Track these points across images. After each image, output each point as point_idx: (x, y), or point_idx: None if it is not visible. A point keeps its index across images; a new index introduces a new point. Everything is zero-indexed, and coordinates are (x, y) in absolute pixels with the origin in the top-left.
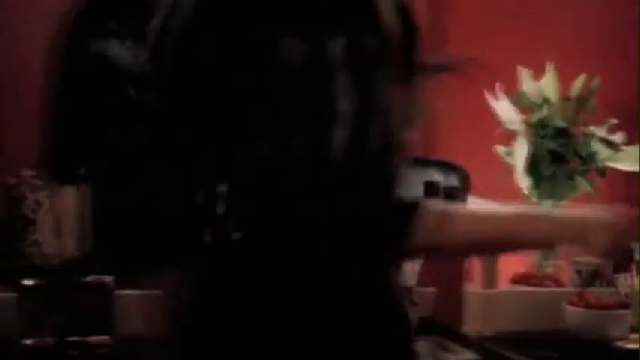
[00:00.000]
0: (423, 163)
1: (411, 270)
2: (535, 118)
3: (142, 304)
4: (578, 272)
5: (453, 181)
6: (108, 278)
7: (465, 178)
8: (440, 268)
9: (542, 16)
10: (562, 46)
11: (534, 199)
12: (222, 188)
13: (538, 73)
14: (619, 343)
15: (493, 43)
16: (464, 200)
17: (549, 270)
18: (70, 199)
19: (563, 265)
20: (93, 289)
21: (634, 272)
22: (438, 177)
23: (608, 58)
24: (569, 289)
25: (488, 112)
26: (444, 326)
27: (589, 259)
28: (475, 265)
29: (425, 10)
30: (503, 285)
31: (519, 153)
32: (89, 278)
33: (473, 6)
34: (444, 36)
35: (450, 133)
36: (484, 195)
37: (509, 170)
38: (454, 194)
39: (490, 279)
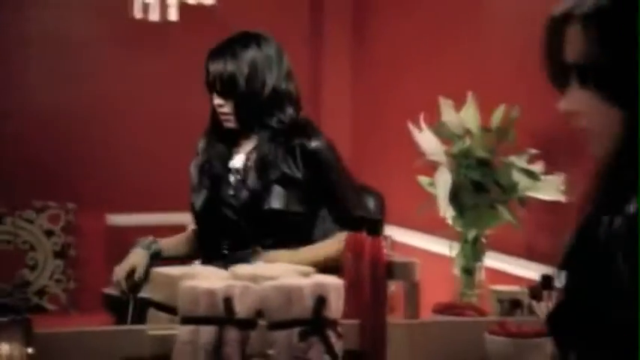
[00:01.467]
0: None
1: (335, 302)
2: (457, 148)
3: None
4: (500, 301)
5: (370, 203)
6: None
7: (381, 202)
8: (364, 300)
9: (463, 46)
10: (483, 77)
11: (458, 229)
12: None
13: (461, 103)
14: None
15: (415, 74)
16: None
17: (473, 299)
18: None
19: (485, 294)
20: None
21: (554, 300)
22: None
23: (527, 89)
24: (490, 318)
25: (411, 142)
26: (369, 358)
27: (510, 288)
28: (398, 296)
29: (349, 39)
30: (427, 315)
31: (441, 183)
32: None
33: (395, 37)
34: (368, 66)
35: (373, 163)
36: (408, 225)
37: (432, 200)
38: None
39: (413, 309)
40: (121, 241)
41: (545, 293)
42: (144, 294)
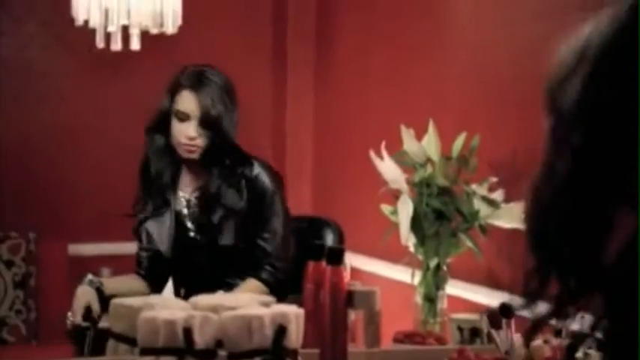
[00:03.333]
0: (300, 220)
1: (296, 332)
2: (418, 177)
3: None
4: (460, 329)
5: (328, 236)
6: None
7: (339, 234)
8: (324, 329)
9: (425, 75)
10: (444, 105)
11: (420, 257)
12: None
13: (422, 132)
14: None
15: (378, 102)
16: (342, 251)
17: (435, 328)
18: None
19: (447, 323)
20: None
21: (513, 329)
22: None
23: (487, 117)
24: (450, 346)
25: (374, 171)
26: None
27: (470, 317)
28: (358, 324)
29: (312, 68)
30: (388, 344)
31: (403, 211)
32: None
33: (358, 65)
34: (330, 94)
35: (336, 192)
36: (371, 253)
37: (394, 228)
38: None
39: (373, 338)
40: (83, 271)
41: (504, 321)
42: (103, 324)
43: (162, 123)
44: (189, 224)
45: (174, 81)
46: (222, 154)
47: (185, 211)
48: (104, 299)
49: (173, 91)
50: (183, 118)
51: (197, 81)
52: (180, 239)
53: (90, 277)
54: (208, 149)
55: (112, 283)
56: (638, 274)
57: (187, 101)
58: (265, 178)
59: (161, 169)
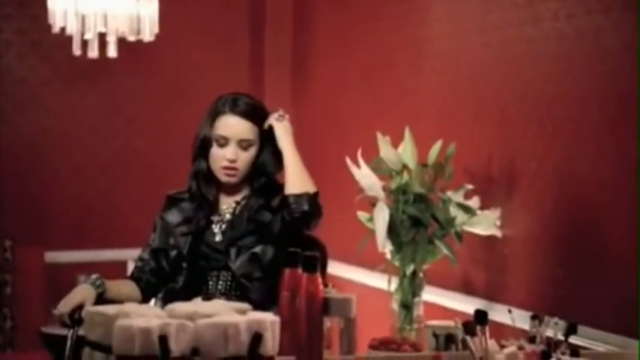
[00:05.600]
0: None
1: (271, 339)
2: (394, 184)
3: None
4: (435, 336)
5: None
6: None
7: (323, 251)
8: (300, 336)
9: (400, 83)
10: (420, 113)
11: (396, 263)
12: None
13: (398, 139)
14: None
15: (354, 111)
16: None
17: (411, 334)
18: None
19: (422, 329)
20: None
21: (487, 335)
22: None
23: (463, 125)
24: (425, 353)
25: (351, 178)
26: None
27: (445, 323)
28: (334, 331)
29: (288, 77)
30: (363, 351)
31: (380, 219)
32: None
33: (334, 75)
34: (307, 105)
35: None
36: (348, 260)
37: (370, 236)
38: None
39: (349, 345)
40: (59, 279)
41: (478, 328)
42: (80, 332)
43: (203, 149)
44: (217, 236)
45: (213, 108)
46: (260, 180)
47: (216, 228)
48: (102, 302)
49: (213, 118)
50: (223, 143)
51: (234, 105)
52: (204, 245)
53: (95, 277)
54: (247, 173)
55: (113, 287)
56: (638, 273)
57: (227, 125)
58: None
59: (205, 191)
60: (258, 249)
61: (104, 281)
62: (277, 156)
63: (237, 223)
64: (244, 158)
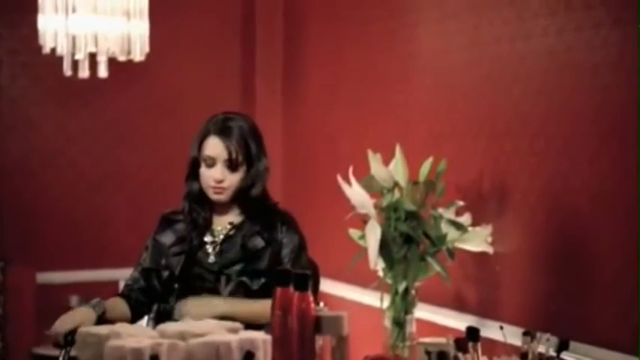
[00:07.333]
0: None
1: (263, 358)
2: (386, 201)
3: None
4: (427, 353)
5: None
6: None
7: (315, 271)
8: (291, 355)
9: (392, 100)
10: (411, 130)
11: (388, 281)
12: None
13: (389, 156)
14: None
15: (345, 128)
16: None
17: (403, 352)
18: None
19: (415, 347)
20: None
21: (479, 352)
22: None
23: (454, 141)
24: None
25: (343, 196)
26: None
27: (437, 340)
28: (326, 349)
29: (280, 95)
30: None
31: (371, 236)
32: None
33: (325, 93)
34: (298, 123)
35: (305, 218)
36: (340, 278)
37: (362, 253)
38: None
39: None
40: (51, 299)
41: (470, 345)
42: (72, 352)
43: (193, 169)
44: (211, 257)
45: (202, 128)
46: (250, 198)
47: (210, 248)
48: (98, 323)
49: (201, 139)
50: (211, 163)
51: (223, 127)
52: (197, 265)
53: (96, 301)
54: (237, 193)
55: (110, 309)
56: (638, 275)
57: (213, 146)
58: (294, 235)
59: (197, 211)
60: (246, 279)
61: (104, 304)
62: (262, 176)
63: (229, 249)
64: (232, 178)
